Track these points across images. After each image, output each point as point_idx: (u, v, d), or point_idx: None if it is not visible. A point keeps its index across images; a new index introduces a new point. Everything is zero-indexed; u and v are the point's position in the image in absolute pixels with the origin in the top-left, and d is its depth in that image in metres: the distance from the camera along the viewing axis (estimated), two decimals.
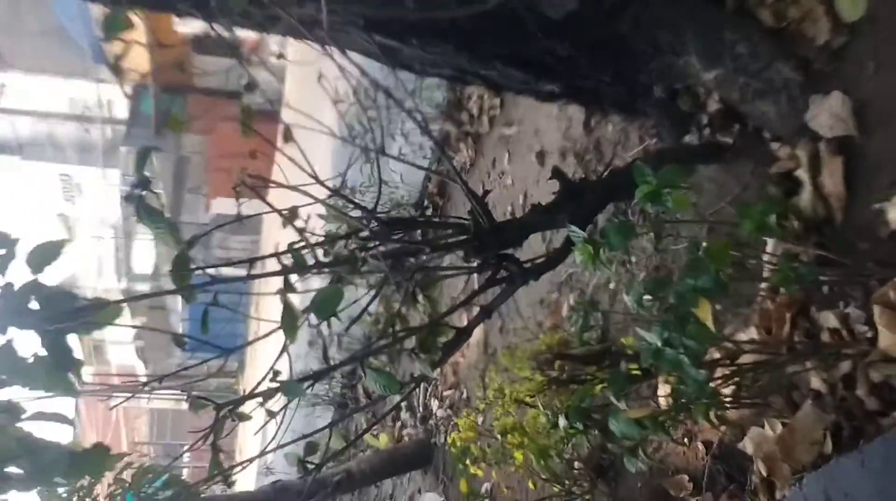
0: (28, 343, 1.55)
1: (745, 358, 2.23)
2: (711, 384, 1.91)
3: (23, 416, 1.54)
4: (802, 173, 2.41)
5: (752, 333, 2.41)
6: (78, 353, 1.56)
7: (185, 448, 2.35)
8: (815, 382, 2.19)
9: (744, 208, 1.89)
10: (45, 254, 1.55)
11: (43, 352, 1.53)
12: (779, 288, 2.27)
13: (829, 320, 2.22)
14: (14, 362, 1.48)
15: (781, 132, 2.52)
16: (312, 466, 2.04)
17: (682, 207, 1.88)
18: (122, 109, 22.34)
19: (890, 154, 2.21)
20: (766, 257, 2.31)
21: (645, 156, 3.15)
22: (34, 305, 1.51)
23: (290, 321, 1.76)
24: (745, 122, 2.67)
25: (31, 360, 1.52)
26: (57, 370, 1.50)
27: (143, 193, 1.71)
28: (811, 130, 2.38)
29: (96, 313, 1.54)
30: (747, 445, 2.34)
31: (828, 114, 2.33)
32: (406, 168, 6.28)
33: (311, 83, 2.71)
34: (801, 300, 2.32)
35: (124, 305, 1.64)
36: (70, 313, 1.50)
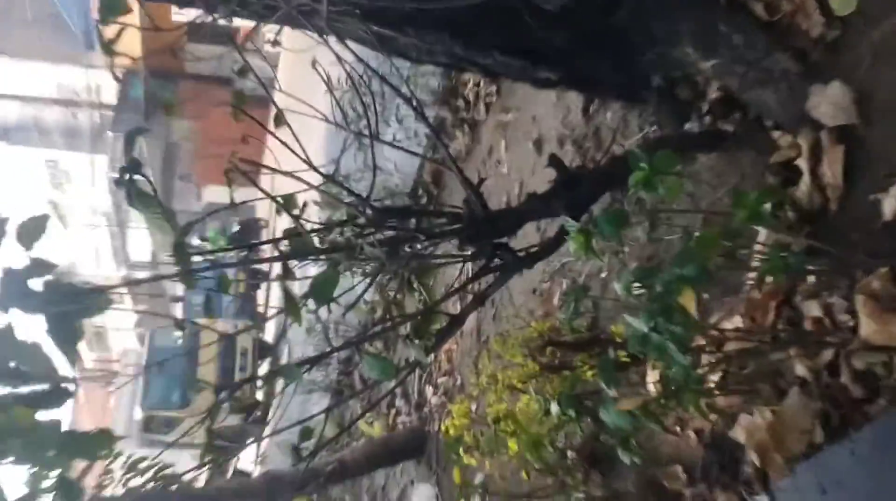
0: (27, 327, 1.55)
1: (731, 346, 2.24)
2: (698, 371, 1.92)
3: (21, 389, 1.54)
4: (802, 163, 2.41)
5: (737, 321, 2.42)
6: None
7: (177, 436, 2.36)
8: (800, 369, 2.20)
9: (738, 196, 1.89)
10: (31, 230, 1.55)
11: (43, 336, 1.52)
12: (765, 277, 2.29)
13: (812, 308, 2.23)
14: (13, 346, 1.48)
15: (782, 120, 2.52)
16: (307, 453, 2.05)
17: (675, 193, 1.89)
18: (110, 95, 22.19)
19: (889, 145, 2.22)
20: (756, 247, 2.32)
21: (644, 144, 3.15)
22: (37, 286, 1.50)
23: (292, 306, 1.77)
24: (745, 110, 2.66)
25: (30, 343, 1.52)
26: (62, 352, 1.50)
27: (134, 177, 1.70)
28: (813, 118, 2.38)
29: (98, 297, 1.54)
30: (738, 433, 2.35)
31: (829, 103, 2.33)
32: (400, 156, 6.27)
33: (305, 70, 2.70)
34: (786, 290, 2.33)
35: (124, 290, 1.64)
36: (73, 295, 1.49)
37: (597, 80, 3.01)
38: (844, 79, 2.31)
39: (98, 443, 1.64)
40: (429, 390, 6.15)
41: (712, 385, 2.22)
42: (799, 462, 2.11)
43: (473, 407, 4.02)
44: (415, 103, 2.39)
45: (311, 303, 1.82)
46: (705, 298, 2.64)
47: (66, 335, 1.53)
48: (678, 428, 2.64)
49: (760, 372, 2.29)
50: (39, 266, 1.51)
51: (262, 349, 15.91)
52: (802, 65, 2.42)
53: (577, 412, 2.26)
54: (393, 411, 6.90)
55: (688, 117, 2.90)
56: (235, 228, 17.28)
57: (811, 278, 2.28)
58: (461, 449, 3.38)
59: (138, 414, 16.51)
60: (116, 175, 1.75)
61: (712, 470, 2.52)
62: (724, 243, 1.92)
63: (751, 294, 2.45)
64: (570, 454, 3.21)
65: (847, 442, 1.94)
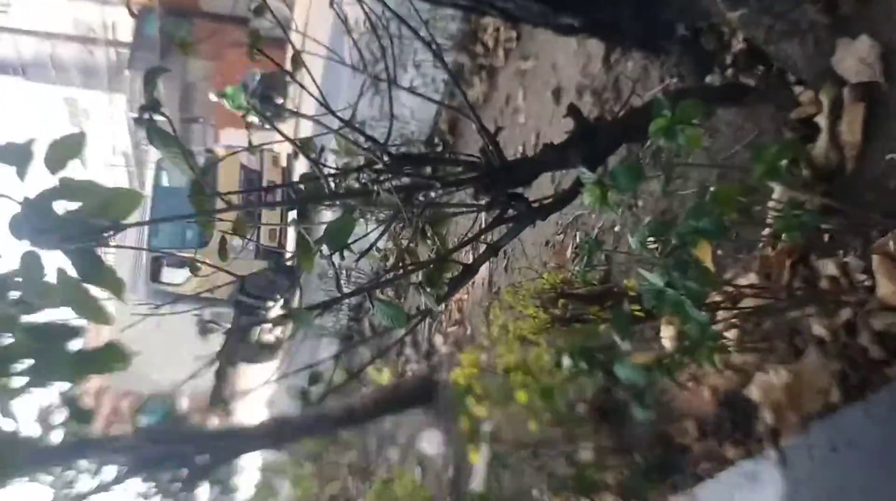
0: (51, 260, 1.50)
1: (747, 303, 2.22)
2: (714, 327, 1.90)
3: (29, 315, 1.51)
4: (822, 119, 2.37)
5: (751, 278, 2.40)
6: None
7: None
8: (817, 329, 2.19)
9: (757, 150, 1.85)
10: (63, 150, 1.48)
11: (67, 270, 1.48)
12: (780, 235, 2.25)
13: (828, 267, 2.21)
14: (38, 280, 1.44)
15: (806, 75, 2.46)
16: (316, 397, 2.05)
17: (695, 144, 1.85)
18: (126, 32, 22.05)
19: None
20: (771, 204, 2.28)
21: (665, 95, 3.08)
22: (57, 214, 1.43)
23: (305, 251, 1.75)
24: (769, 63, 2.61)
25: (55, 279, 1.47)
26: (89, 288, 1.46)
27: (154, 116, 1.67)
28: (837, 74, 2.33)
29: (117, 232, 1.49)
30: (753, 392, 2.34)
31: (854, 58, 2.28)
32: (417, 104, 6.20)
33: (321, 11, 2.64)
34: (801, 248, 2.31)
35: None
36: (95, 228, 1.44)
37: (619, 28, 2.94)
38: (872, 33, 2.25)
39: (109, 357, 1.63)
40: (438, 339, 6.18)
41: (728, 342, 2.20)
42: (813, 421, 2.10)
43: (483, 357, 4.03)
44: (433, 47, 2.33)
45: (324, 249, 1.80)
46: (719, 254, 2.62)
47: (91, 268, 1.49)
48: (692, 385, 2.63)
49: (777, 330, 2.27)
50: (67, 189, 1.44)
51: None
52: (831, 17, 2.36)
53: (590, 365, 2.25)
54: (402, 359, 6.95)
55: (710, 69, 2.84)
56: (256, 79, 13.70)
57: (826, 237, 2.25)
58: (470, 398, 3.40)
59: (145, 259, 13.04)
60: (135, 114, 1.72)
61: (724, 426, 2.51)
62: (740, 199, 1.88)
63: (765, 251, 2.42)
64: (579, 405, 3.22)
65: (863, 403, 1.92)
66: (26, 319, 1.53)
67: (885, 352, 2.00)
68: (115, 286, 1.50)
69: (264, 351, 13.15)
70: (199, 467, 4.56)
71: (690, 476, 2.61)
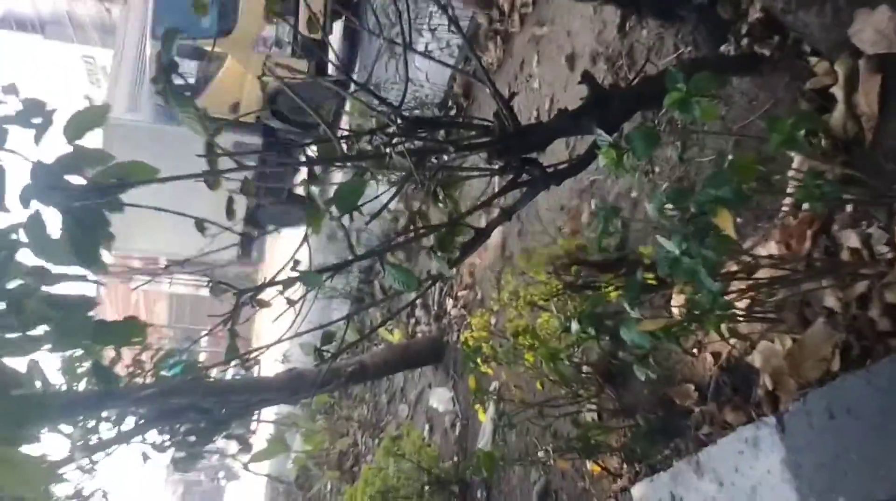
0: (55, 220, 1.54)
1: (762, 273, 2.23)
2: (726, 297, 1.92)
3: (47, 286, 1.56)
4: (837, 90, 2.36)
5: (771, 248, 2.40)
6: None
7: (204, 332, 2.42)
8: (830, 300, 2.19)
9: (773, 120, 1.85)
10: (83, 121, 1.51)
11: (69, 228, 1.52)
12: (801, 204, 2.25)
13: (850, 239, 2.20)
14: (41, 235, 1.49)
15: (822, 46, 2.45)
16: (328, 354, 2.10)
17: (710, 117, 1.85)
18: None
19: None
20: (791, 173, 2.28)
21: (679, 64, 3.08)
22: (71, 178, 1.48)
23: (314, 212, 1.78)
24: (785, 33, 2.60)
25: (57, 236, 1.51)
26: (88, 244, 1.50)
27: (171, 76, 1.70)
28: (853, 45, 2.32)
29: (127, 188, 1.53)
30: (756, 358, 2.37)
31: (872, 29, 2.26)
32: (431, 67, 6.18)
33: None
34: (823, 218, 2.30)
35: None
36: (105, 188, 1.49)
37: None
38: (892, 4, 2.23)
39: (127, 331, 1.69)
40: (449, 302, 6.23)
41: (738, 311, 2.23)
42: (812, 388, 2.13)
43: (493, 321, 4.07)
44: (450, 11, 2.34)
45: (334, 210, 1.83)
46: (738, 222, 2.62)
47: (89, 236, 1.52)
48: (696, 350, 2.67)
49: (788, 301, 2.28)
50: (82, 157, 1.48)
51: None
52: None
53: (597, 330, 2.28)
54: (412, 320, 7.02)
55: (725, 39, 2.83)
56: None
57: (849, 208, 2.25)
58: (479, 359, 3.44)
59: (150, 49, 10.00)
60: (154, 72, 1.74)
61: (724, 391, 2.55)
62: (759, 168, 1.88)
63: (786, 221, 2.42)
64: (585, 368, 3.27)
65: (864, 372, 1.94)
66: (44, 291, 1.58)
67: (893, 324, 2.01)
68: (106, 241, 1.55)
69: (298, 209, 10.24)
70: (216, 419, 4.64)
71: (692, 440, 2.66)
